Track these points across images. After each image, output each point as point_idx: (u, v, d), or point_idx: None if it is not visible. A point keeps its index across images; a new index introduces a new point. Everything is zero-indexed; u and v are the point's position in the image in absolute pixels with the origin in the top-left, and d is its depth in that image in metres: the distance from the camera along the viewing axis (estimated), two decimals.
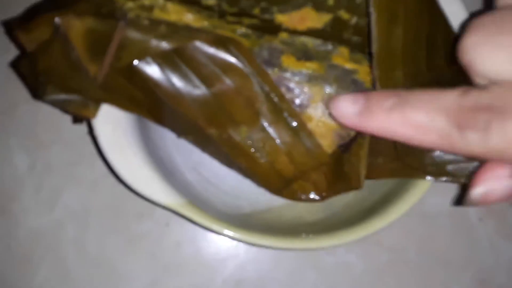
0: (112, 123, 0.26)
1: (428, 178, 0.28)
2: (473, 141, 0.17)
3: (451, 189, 0.37)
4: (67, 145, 0.36)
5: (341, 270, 0.36)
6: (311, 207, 0.31)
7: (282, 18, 0.27)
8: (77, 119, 0.27)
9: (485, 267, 0.36)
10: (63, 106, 0.25)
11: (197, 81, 0.25)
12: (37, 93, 0.25)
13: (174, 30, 0.25)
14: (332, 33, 0.28)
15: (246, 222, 0.29)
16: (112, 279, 0.34)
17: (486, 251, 0.37)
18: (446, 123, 0.18)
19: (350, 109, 0.21)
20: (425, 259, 0.36)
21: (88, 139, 0.36)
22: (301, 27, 0.28)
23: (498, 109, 0.16)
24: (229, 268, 0.35)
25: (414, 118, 0.19)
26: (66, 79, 0.25)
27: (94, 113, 0.25)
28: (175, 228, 0.35)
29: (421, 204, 0.37)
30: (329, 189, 0.29)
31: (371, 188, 0.32)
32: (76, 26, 0.24)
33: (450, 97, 0.18)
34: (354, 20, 0.27)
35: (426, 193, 0.35)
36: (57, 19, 0.23)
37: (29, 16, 0.24)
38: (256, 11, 0.27)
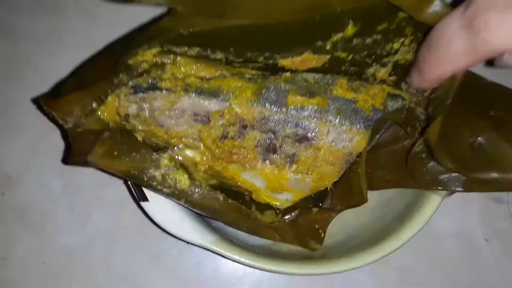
0: None
1: (438, 196, 0.31)
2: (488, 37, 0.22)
3: (458, 211, 0.39)
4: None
5: None
6: (328, 231, 0.33)
7: (284, 62, 0.30)
8: None
9: (491, 287, 0.38)
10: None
11: None
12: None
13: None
14: (330, 68, 0.30)
15: (269, 251, 0.31)
16: None
17: (492, 270, 0.38)
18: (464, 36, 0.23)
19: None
20: (433, 279, 0.38)
21: None
22: (303, 68, 0.30)
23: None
24: (246, 286, 0.37)
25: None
26: None
27: None
28: (195, 247, 0.37)
29: (429, 225, 0.38)
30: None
31: (385, 209, 0.35)
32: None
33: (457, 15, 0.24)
34: (350, 56, 0.30)
35: (434, 215, 0.37)
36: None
37: (55, 94, 0.27)
38: (261, 59, 0.30)
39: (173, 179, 0.28)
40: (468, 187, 0.29)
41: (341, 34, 0.28)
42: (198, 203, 0.28)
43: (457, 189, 0.29)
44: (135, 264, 0.37)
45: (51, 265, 0.37)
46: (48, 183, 0.39)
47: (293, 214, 0.33)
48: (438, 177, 0.30)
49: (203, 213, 0.29)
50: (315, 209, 0.33)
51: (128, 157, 0.27)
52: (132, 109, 0.28)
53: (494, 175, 0.28)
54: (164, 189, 0.27)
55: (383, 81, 0.31)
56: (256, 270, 0.37)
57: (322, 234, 0.32)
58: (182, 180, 0.28)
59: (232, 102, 0.29)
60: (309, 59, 0.29)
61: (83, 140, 0.27)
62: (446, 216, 0.39)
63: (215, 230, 0.31)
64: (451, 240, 0.39)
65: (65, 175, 0.39)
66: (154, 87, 0.28)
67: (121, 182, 0.38)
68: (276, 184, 0.31)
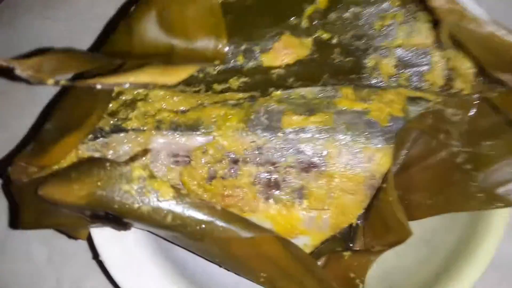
0: (118, 244, 0.25)
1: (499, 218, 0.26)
2: None
3: None
4: None
5: None
6: (366, 280, 0.27)
7: (267, 58, 0.27)
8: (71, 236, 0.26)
9: None
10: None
11: None
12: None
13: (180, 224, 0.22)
14: (322, 59, 0.27)
15: None
16: None
17: None
18: None
19: None
20: None
21: None
22: (290, 59, 0.27)
23: None
24: None
25: None
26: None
27: (85, 235, 0.25)
28: None
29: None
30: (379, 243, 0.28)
31: (431, 245, 0.29)
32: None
33: None
34: (335, 39, 0.27)
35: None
36: None
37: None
38: (240, 58, 0.27)
39: (152, 190, 0.21)
40: None
41: (313, 6, 0.26)
42: (189, 216, 0.22)
43: None
44: None
45: None
46: (31, 252, 0.36)
47: (319, 263, 0.28)
48: (494, 190, 0.25)
49: (197, 238, 0.23)
50: (346, 253, 0.28)
51: (89, 177, 0.21)
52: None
53: None
54: (143, 207, 0.21)
55: (394, 80, 0.27)
56: None
57: (361, 286, 0.26)
58: (164, 190, 0.21)
59: (215, 134, 0.26)
60: (290, 43, 0.27)
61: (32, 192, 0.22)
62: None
63: None
64: None
65: (49, 242, 0.36)
66: (118, 129, 0.25)
67: None
68: (288, 226, 0.27)
